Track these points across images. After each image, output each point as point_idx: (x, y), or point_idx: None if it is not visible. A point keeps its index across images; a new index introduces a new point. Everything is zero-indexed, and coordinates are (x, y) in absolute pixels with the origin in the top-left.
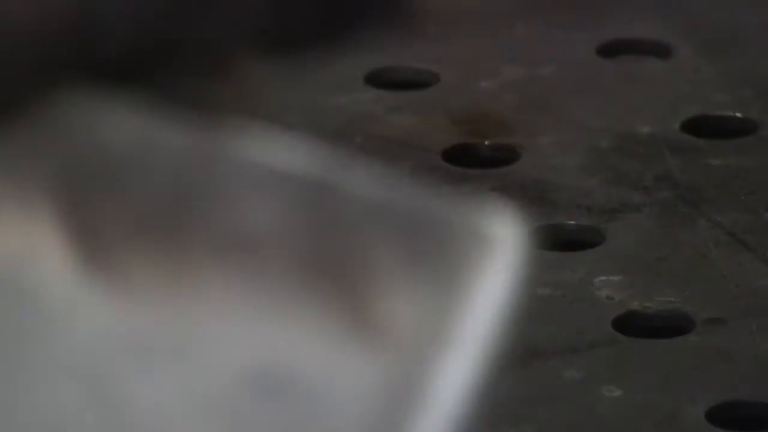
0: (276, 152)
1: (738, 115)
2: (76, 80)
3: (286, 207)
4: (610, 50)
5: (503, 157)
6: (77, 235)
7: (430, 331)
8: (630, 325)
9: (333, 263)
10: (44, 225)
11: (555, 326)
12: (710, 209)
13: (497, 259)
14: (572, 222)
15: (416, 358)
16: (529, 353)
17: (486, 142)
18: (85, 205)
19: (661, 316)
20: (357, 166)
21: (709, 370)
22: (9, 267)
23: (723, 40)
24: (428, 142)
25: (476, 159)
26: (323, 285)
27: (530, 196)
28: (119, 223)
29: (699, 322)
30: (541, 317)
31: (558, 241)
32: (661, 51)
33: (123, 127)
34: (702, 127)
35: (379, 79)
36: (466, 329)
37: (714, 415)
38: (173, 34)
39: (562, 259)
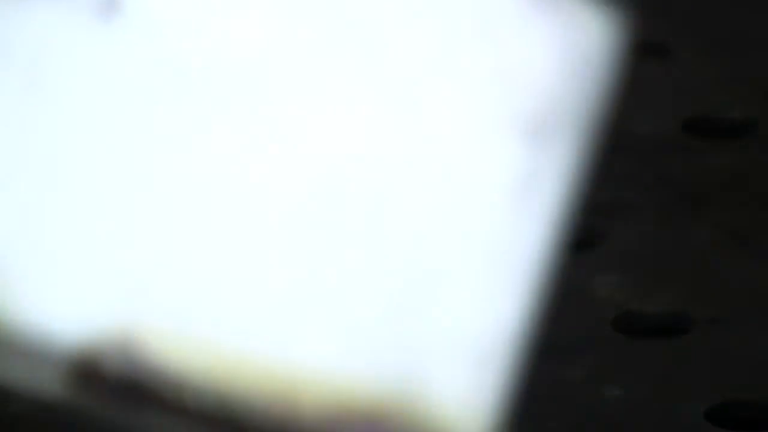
0: None
1: (738, 115)
2: None
3: None
4: None
5: None
6: None
7: None
8: (630, 325)
9: None
10: None
11: (555, 326)
12: (710, 209)
13: None
14: (572, 222)
15: None
16: (529, 353)
17: None
18: None
19: (661, 316)
20: None
21: (709, 370)
22: None
23: (723, 40)
24: None
25: None
26: None
27: None
28: None
29: (699, 322)
30: (541, 317)
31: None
32: (661, 51)
33: None
34: (702, 127)
35: None
36: None
37: (714, 415)
38: None
39: (562, 259)
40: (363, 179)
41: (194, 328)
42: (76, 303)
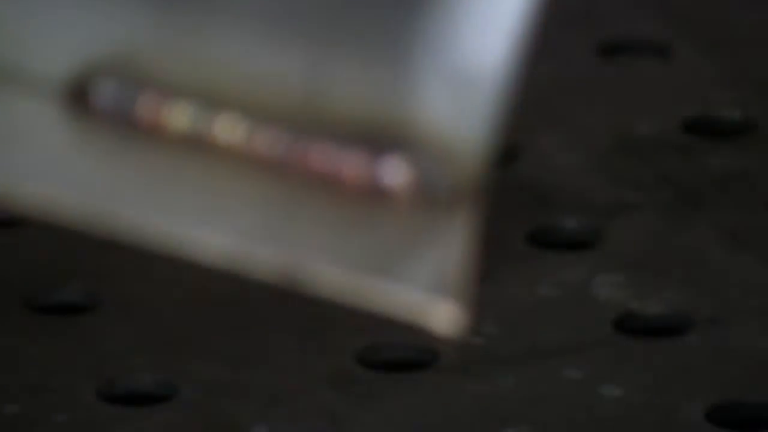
0: None
1: (738, 115)
2: None
3: None
4: (610, 50)
5: (503, 157)
6: None
7: None
8: (630, 325)
9: None
10: None
11: (555, 326)
12: (710, 209)
13: None
14: (572, 222)
15: None
16: (529, 353)
17: None
18: None
19: (661, 316)
20: None
21: (709, 370)
22: None
23: (723, 40)
24: None
25: None
26: None
27: (530, 196)
28: None
29: (699, 322)
30: (541, 317)
31: (558, 241)
32: (661, 51)
33: None
34: (702, 127)
35: None
36: None
37: (714, 415)
38: None
39: (562, 259)
40: None
41: (186, 48)
42: (66, 31)
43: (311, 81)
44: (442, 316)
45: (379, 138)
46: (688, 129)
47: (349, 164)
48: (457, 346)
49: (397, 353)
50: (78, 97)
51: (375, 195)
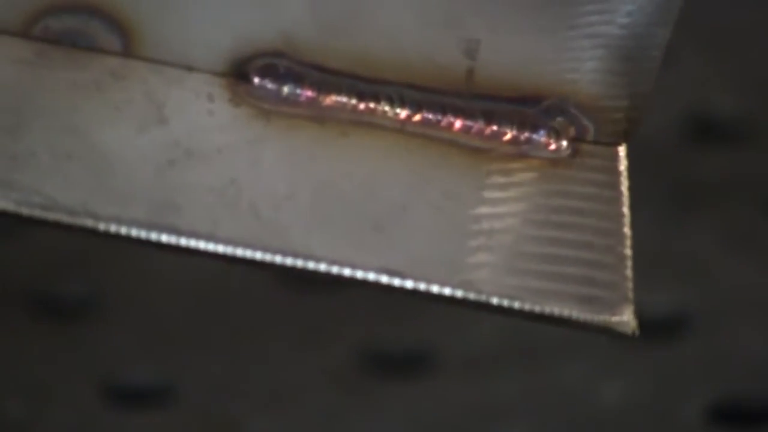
0: None
1: (738, 115)
2: None
3: None
4: None
5: None
6: None
7: None
8: None
9: None
10: None
11: (555, 326)
12: (710, 209)
13: None
14: None
15: None
16: (529, 353)
17: None
18: None
19: (661, 316)
20: None
21: (709, 370)
22: None
23: (723, 40)
24: None
25: None
26: None
27: None
28: None
29: (699, 322)
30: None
31: None
32: None
33: None
34: (702, 127)
35: None
36: None
37: (713, 414)
38: None
39: None
40: None
41: (345, 29)
42: (228, 15)
43: (470, 54)
44: (617, 316)
45: (537, 105)
46: (688, 129)
47: (508, 133)
48: (457, 345)
49: (396, 353)
50: (240, 79)
51: (536, 163)
